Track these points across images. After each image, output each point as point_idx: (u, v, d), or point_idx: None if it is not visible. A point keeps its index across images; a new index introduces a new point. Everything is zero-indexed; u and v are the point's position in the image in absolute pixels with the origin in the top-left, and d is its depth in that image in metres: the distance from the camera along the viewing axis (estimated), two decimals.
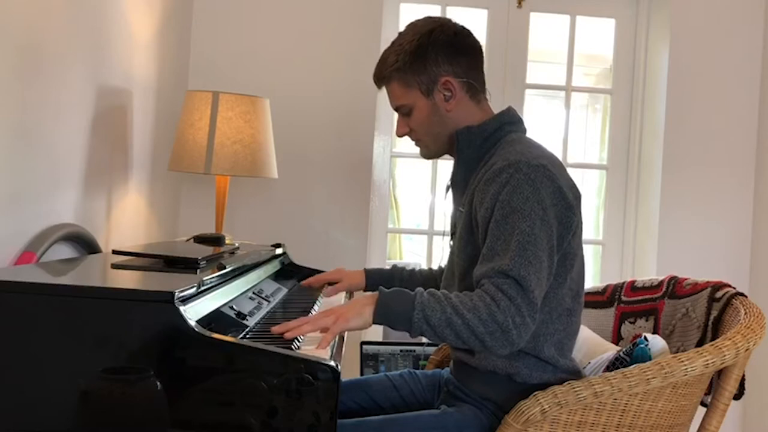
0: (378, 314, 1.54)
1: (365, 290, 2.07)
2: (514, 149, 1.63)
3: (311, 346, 1.53)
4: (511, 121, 1.74)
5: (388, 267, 2.14)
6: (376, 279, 2.05)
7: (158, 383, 1.27)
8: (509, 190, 1.55)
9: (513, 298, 1.48)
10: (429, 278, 1.99)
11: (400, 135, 1.80)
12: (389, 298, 1.54)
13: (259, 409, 1.27)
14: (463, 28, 1.76)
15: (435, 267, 2.08)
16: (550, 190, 1.56)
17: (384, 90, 1.79)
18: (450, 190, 1.82)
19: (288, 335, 1.50)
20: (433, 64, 1.70)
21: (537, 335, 1.61)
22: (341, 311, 1.54)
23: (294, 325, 1.52)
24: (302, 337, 1.62)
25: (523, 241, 1.51)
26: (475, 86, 1.74)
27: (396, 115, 1.81)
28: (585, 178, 4.17)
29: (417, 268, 2.06)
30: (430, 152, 1.80)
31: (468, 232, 1.66)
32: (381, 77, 1.77)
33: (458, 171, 1.76)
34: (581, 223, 1.66)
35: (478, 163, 1.71)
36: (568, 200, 1.59)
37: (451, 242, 1.79)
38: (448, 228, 1.86)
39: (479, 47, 1.76)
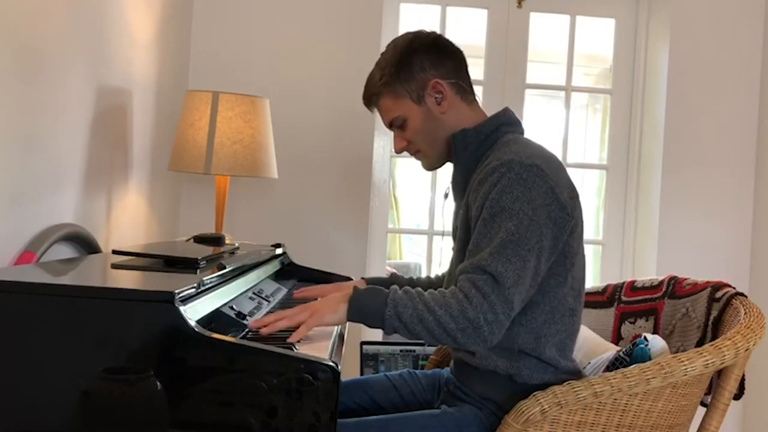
0: (351, 311, 1.55)
1: None
2: (509, 149, 1.63)
3: (312, 345, 1.54)
4: (508, 122, 1.74)
5: (387, 273, 2.12)
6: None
7: (158, 383, 1.27)
8: (499, 189, 1.55)
9: (487, 294, 1.48)
10: (429, 286, 1.98)
11: (398, 151, 1.78)
12: (363, 296, 1.55)
13: (259, 409, 1.27)
14: (440, 34, 1.77)
15: (435, 266, 2.08)
16: (543, 190, 1.56)
17: (373, 109, 1.79)
18: (450, 193, 1.82)
19: (265, 331, 1.52)
20: (419, 70, 1.70)
21: (539, 336, 1.61)
22: (317, 307, 1.56)
23: (271, 320, 1.54)
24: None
25: (506, 239, 1.51)
26: (465, 88, 1.75)
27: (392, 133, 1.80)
28: (585, 178, 4.18)
29: (416, 276, 2.05)
30: (431, 161, 1.79)
31: (466, 233, 1.66)
32: (370, 96, 1.76)
33: (457, 174, 1.76)
34: (580, 222, 1.66)
35: (475, 165, 1.71)
36: (561, 200, 1.58)
37: (453, 245, 1.79)
38: (448, 229, 1.86)
39: (461, 52, 1.78)
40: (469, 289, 1.49)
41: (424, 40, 1.73)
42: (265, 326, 1.53)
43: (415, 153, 1.79)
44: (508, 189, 1.54)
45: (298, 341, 1.53)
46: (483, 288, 1.48)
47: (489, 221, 1.54)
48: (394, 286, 1.56)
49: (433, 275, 2.06)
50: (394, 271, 2.59)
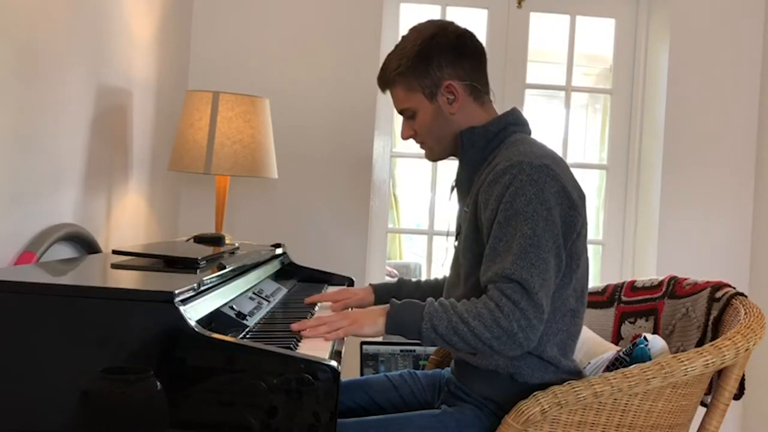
0: (389, 325, 1.59)
1: (374, 305, 2.04)
2: (517, 149, 1.63)
3: (311, 343, 1.54)
4: (515, 122, 1.74)
5: (392, 279, 2.11)
6: (384, 293, 2.03)
7: (158, 383, 1.27)
8: (512, 192, 1.55)
9: (517, 302, 1.50)
10: (436, 288, 1.98)
11: (405, 138, 1.80)
12: (400, 310, 1.60)
13: (259, 409, 1.27)
14: (465, 31, 1.75)
15: (435, 266, 2.08)
16: (554, 190, 1.56)
17: (387, 91, 1.80)
18: (455, 190, 1.82)
19: (306, 334, 1.58)
20: (436, 69, 1.70)
21: (540, 334, 1.61)
22: (356, 317, 1.61)
23: (312, 324, 1.60)
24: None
25: (525, 243, 1.52)
26: (479, 88, 1.74)
27: (400, 119, 1.81)
28: (585, 178, 4.16)
29: (423, 279, 2.06)
30: (434, 154, 1.80)
31: (474, 233, 1.66)
32: (385, 81, 1.77)
33: (462, 172, 1.76)
34: (586, 223, 1.66)
35: (482, 164, 1.71)
36: (572, 200, 1.59)
37: (456, 243, 1.79)
38: (452, 228, 1.86)
39: (482, 49, 1.76)
40: (500, 298, 1.51)
41: (446, 37, 1.72)
42: (306, 329, 1.58)
43: (421, 143, 1.80)
44: (521, 191, 1.55)
45: (293, 339, 1.53)
46: (512, 296, 1.50)
47: (504, 225, 1.55)
48: (430, 299, 1.59)
49: (440, 276, 2.05)
50: (396, 271, 2.59)
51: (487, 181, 1.61)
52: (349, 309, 1.97)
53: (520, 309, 1.49)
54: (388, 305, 1.62)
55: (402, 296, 1.88)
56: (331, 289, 2.37)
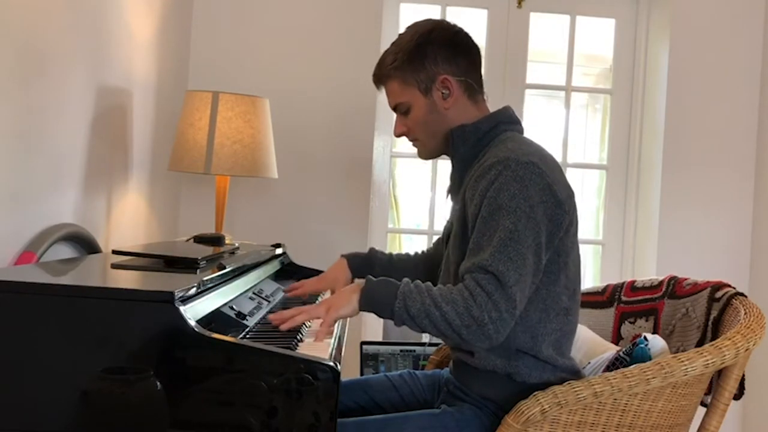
0: (363, 302, 1.58)
1: (353, 278, 2.05)
2: (506, 147, 1.63)
3: (311, 340, 1.54)
4: (507, 120, 1.74)
5: (363, 251, 2.07)
6: (358, 267, 2.03)
7: (158, 383, 1.27)
8: (497, 187, 1.56)
9: (490, 293, 1.49)
10: (408, 263, 2.01)
11: (397, 135, 1.80)
12: (375, 287, 1.59)
13: (259, 409, 1.27)
14: (461, 29, 1.77)
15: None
16: (539, 188, 1.56)
17: (381, 88, 1.80)
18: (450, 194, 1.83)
19: (285, 326, 1.56)
20: (432, 63, 1.71)
21: (535, 335, 1.61)
22: (331, 301, 1.60)
23: (289, 315, 1.58)
24: (309, 323, 1.72)
25: (505, 237, 1.52)
26: (473, 86, 1.75)
27: (395, 116, 1.81)
28: (585, 178, 4.17)
29: (395, 254, 2.05)
30: (426, 151, 1.80)
31: (463, 229, 1.66)
32: (380, 76, 1.78)
33: (454, 170, 1.77)
34: (576, 220, 1.66)
35: (473, 162, 1.71)
36: (558, 198, 1.59)
37: (449, 240, 1.80)
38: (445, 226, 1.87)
39: (478, 49, 1.78)
40: (474, 287, 1.51)
41: (442, 33, 1.73)
42: (283, 321, 1.57)
43: (414, 140, 1.80)
44: (505, 186, 1.55)
45: (294, 338, 1.53)
46: (486, 287, 1.50)
47: (488, 219, 1.55)
48: (406, 279, 1.58)
49: (412, 252, 2.06)
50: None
51: (475, 176, 1.62)
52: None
53: (493, 301, 1.49)
54: (362, 282, 1.61)
55: (375, 272, 1.90)
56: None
